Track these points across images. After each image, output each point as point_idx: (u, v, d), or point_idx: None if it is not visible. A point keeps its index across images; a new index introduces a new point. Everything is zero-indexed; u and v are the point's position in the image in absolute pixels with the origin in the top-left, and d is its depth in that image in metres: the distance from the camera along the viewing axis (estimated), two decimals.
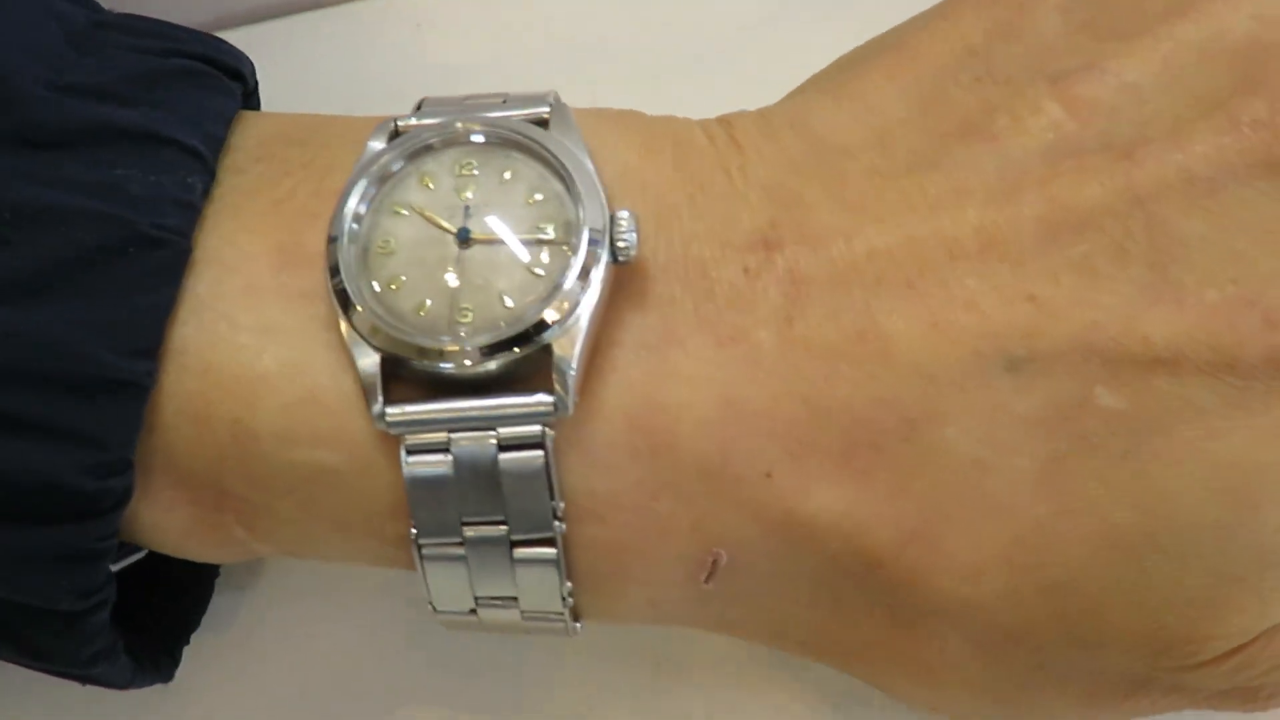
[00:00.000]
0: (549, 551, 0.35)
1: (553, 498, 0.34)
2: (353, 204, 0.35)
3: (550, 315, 0.33)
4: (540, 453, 0.34)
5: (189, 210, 0.35)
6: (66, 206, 0.33)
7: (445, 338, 0.33)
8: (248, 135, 0.38)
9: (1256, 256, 0.34)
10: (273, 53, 0.48)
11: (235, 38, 0.40)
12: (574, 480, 0.34)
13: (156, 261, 0.34)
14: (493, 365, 0.33)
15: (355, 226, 0.35)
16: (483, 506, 0.34)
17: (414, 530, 0.34)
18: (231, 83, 0.38)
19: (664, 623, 0.38)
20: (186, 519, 0.36)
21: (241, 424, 0.34)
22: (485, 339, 0.33)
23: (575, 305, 0.34)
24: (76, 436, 0.33)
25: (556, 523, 0.34)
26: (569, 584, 0.35)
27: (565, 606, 0.36)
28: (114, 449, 0.33)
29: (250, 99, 0.41)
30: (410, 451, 0.34)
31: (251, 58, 0.40)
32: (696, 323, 0.35)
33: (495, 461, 0.34)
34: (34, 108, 0.34)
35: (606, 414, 0.34)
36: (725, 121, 0.38)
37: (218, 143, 0.36)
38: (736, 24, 0.50)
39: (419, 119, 0.36)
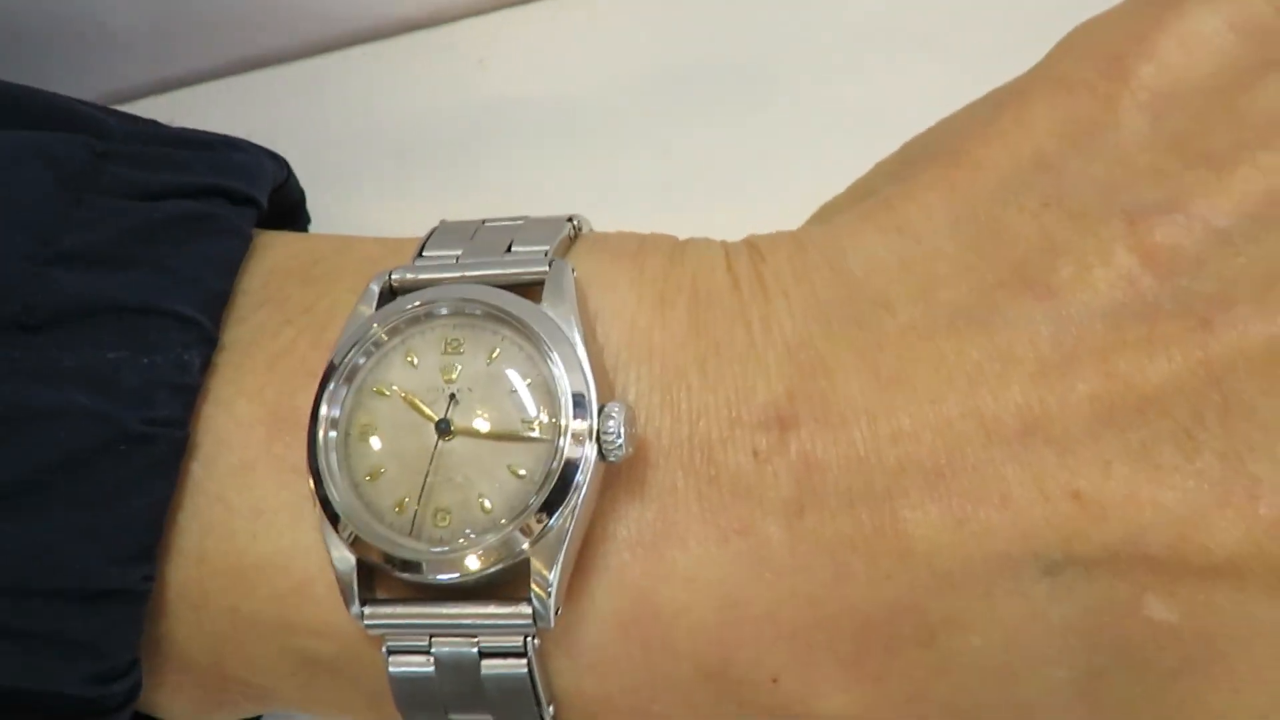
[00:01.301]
0: None
1: (539, 704, 0.32)
2: (331, 390, 0.33)
3: (530, 527, 0.31)
4: (524, 661, 0.32)
5: (185, 394, 0.33)
6: (54, 407, 0.32)
7: (421, 545, 0.31)
8: (255, 272, 0.36)
9: None
10: (333, 83, 0.45)
11: (295, 71, 0.38)
12: (563, 683, 0.32)
13: (150, 459, 0.32)
14: (470, 577, 0.31)
15: (336, 413, 0.33)
16: (469, 707, 0.33)
17: None
18: (243, 211, 0.36)
19: None
20: (194, 700, 0.35)
21: (238, 612, 0.33)
22: (461, 552, 0.31)
23: (557, 512, 0.31)
24: (76, 646, 0.32)
25: None
26: None
27: None
28: (115, 656, 0.32)
29: (283, 193, 0.39)
30: (392, 651, 0.32)
31: (310, 91, 0.38)
32: (699, 515, 0.32)
33: (478, 668, 0.32)
34: (21, 290, 0.33)
35: (596, 616, 0.32)
36: (755, 252, 0.34)
37: (220, 301, 0.35)
38: (801, 61, 0.46)
39: (415, 272, 0.34)
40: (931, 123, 0.42)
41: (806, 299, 0.33)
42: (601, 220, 0.41)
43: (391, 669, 0.32)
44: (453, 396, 0.32)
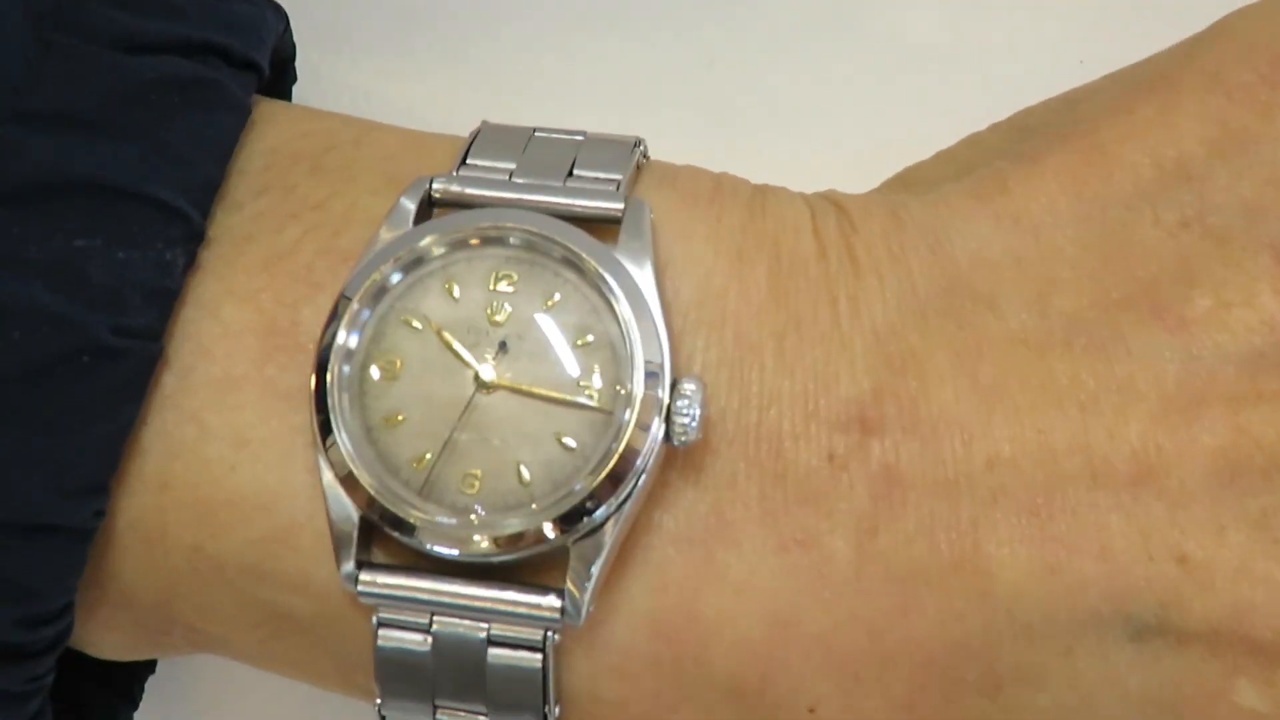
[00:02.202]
0: None
1: (546, 702, 0.28)
2: (352, 315, 0.28)
3: (576, 512, 0.26)
4: (539, 656, 0.28)
5: (163, 299, 0.28)
6: (13, 303, 0.27)
7: (442, 514, 0.27)
8: (255, 151, 0.30)
9: None
10: None
11: None
12: (577, 682, 0.28)
13: (116, 376, 0.27)
14: (494, 556, 0.27)
15: (355, 339, 0.28)
16: (462, 695, 0.28)
17: (379, 701, 0.29)
18: (243, 77, 0.30)
19: None
20: (127, 638, 0.30)
21: (202, 552, 0.28)
22: (490, 527, 0.27)
23: (608, 502, 0.27)
24: (8, 586, 0.27)
25: None
26: None
27: None
28: (48, 598, 0.27)
29: (282, 69, 0.33)
30: (383, 624, 0.28)
31: None
32: (759, 516, 0.28)
33: (484, 655, 0.28)
34: None
35: (629, 615, 0.28)
36: (845, 216, 0.30)
37: (212, 190, 0.29)
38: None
39: (460, 184, 0.29)
40: (1014, 77, 0.38)
41: (901, 282, 0.29)
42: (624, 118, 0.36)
43: (381, 643, 0.28)
44: (503, 345, 0.27)
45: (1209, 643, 0.27)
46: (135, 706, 0.34)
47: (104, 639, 0.30)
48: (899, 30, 0.41)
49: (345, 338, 0.28)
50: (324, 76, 0.37)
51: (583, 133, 0.30)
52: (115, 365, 0.27)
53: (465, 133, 0.31)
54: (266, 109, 0.31)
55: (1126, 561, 0.27)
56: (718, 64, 0.40)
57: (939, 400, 0.28)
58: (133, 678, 0.34)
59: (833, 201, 0.31)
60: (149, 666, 0.35)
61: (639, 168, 0.30)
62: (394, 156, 0.30)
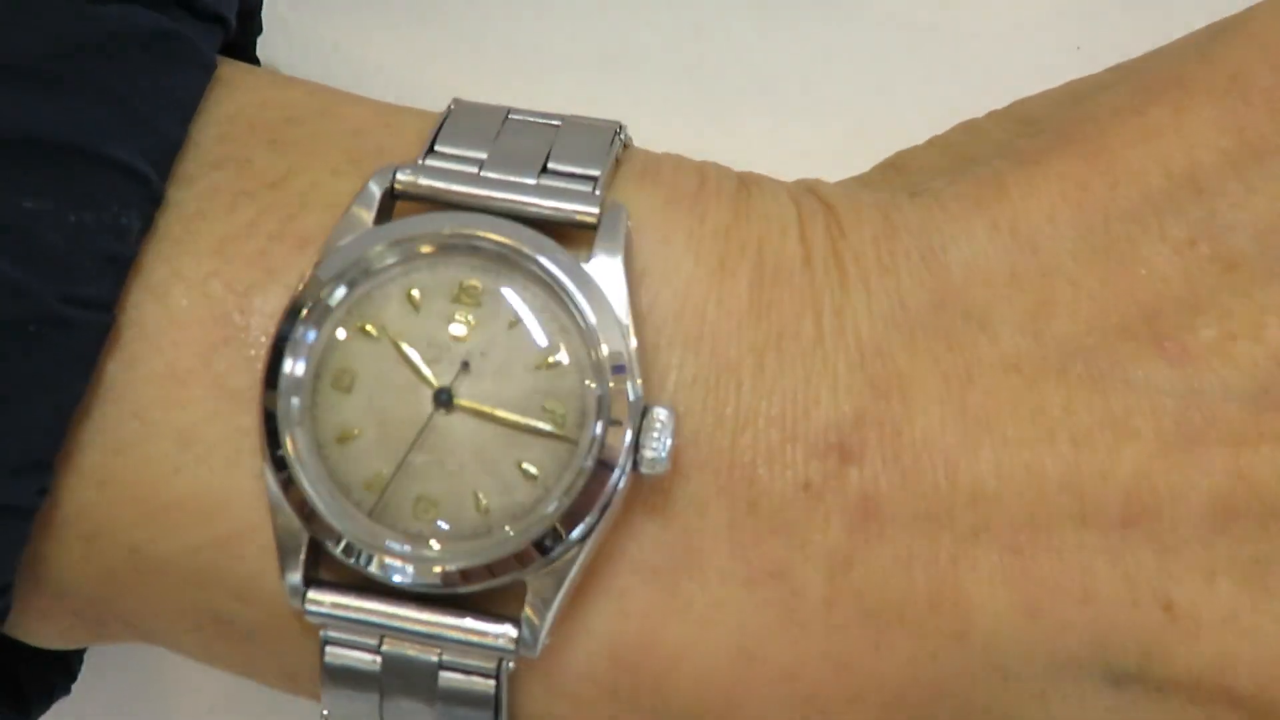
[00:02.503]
0: None
1: None
2: (306, 316, 0.26)
3: (538, 546, 0.25)
4: (492, 681, 0.26)
5: (117, 268, 0.26)
6: None
7: (393, 539, 0.26)
8: (211, 119, 0.28)
9: None
10: None
11: None
12: (531, 706, 0.27)
13: (65, 348, 0.26)
14: (449, 588, 0.26)
15: (308, 342, 0.26)
16: (410, 713, 0.27)
17: (325, 713, 0.27)
18: (208, 31, 0.28)
19: None
20: (64, 629, 0.29)
21: (141, 553, 0.27)
22: (445, 560, 0.25)
23: (570, 535, 0.25)
24: None
25: None
26: None
27: None
28: None
29: (248, 18, 0.31)
30: (331, 641, 0.27)
31: None
32: (728, 546, 0.26)
33: (435, 678, 0.27)
34: None
35: (587, 643, 0.27)
36: (833, 219, 0.28)
37: (172, 150, 0.27)
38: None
39: (427, 177, 0.27)
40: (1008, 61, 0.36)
41: (890, 296, 0.28)
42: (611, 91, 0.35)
43: (328, 660, 0.27)
44: (465, 364, 0.26)
45: (1189, 693, 0.26)
46: (73, 678, 0.33)
47: (40, 628, 0.29)
48: (894, 8, 0.39)
49: (298, 340, 0.26)
50: (291, 27, 0.35)
51: (560, 117, 0.29)
52: (65, 336, 0.25)
53: (439, 100, 0.29)
54: (228, 71, 0.29)
55: (1110, 607, 0.26)
56: (705, 31, 0.38)
57: (923, 427, 0.27)
58: (70, 649, 0.33)
59: (821, 200, 0.29)
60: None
61: (618, 161, 0.28)
62: (360, 132, 0.29)
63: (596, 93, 0.38)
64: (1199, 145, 0.28)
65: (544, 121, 0.28)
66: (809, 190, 0.29)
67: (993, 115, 0.32)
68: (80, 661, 0.34)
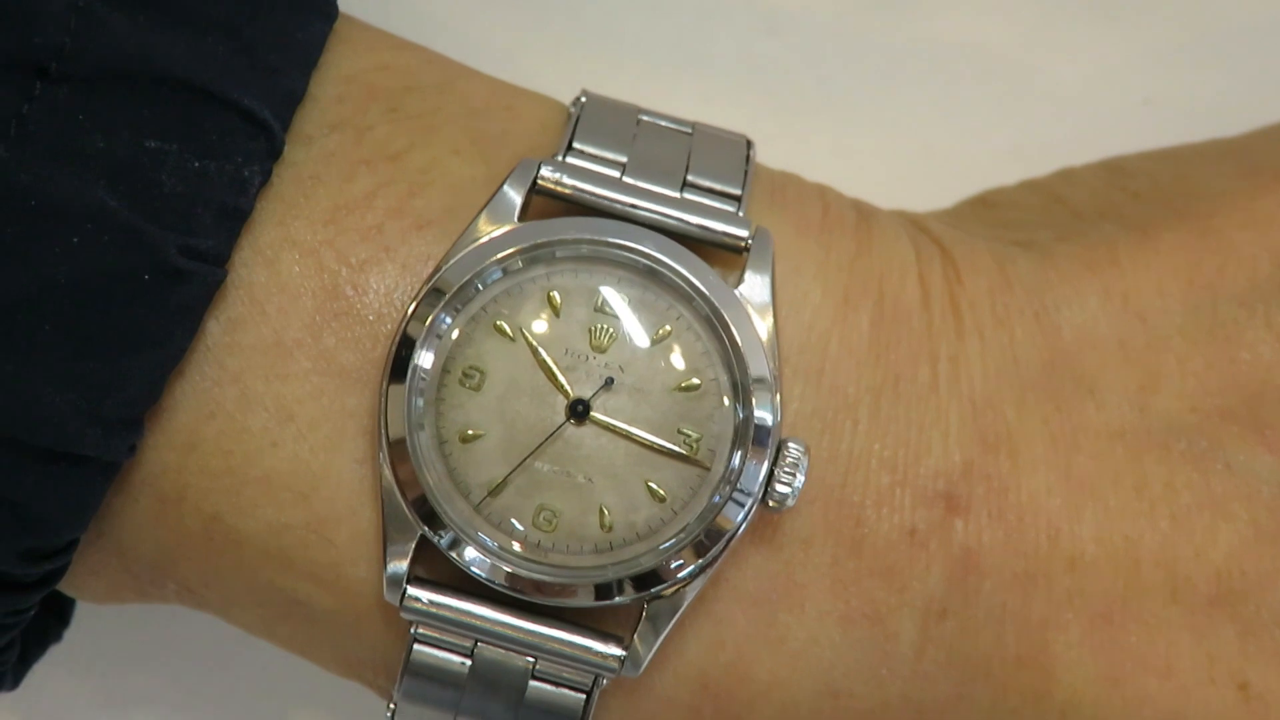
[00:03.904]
0: None
1: None
2: (441, 307, 0.25)
3: (662, 571, 0.25)
4: (582, 696, 0.26)
5: (233, 221, 0.25)
6: (73, 203, 0.23)
7: (513, 550, 0.25)
8: (329, 77, 0.27)
9: None
10: None
11: None
12: None
13: (177, 302, 0.24)
14: (561, 602, 0.25)
15: (439, 335, 0.25)
16: (488, 717, 0.26)
17: (393, 707, 0.27)
18: None
19: None
20: (112, 585, 0.28)
21: (221, 523, 0.26)
22: (564, 574, 0.25)
23: (696, 564, 0.25)
24: (24, 513, 0.24)
25: None
26: None
27: None
28: (59, 532, 0.25)
29: None
30: (420, 640, 0.26)
31: None
32: (829, 585, 0.26)
33: (524, 687, 0.26)
34: (52, 23, 0.24)
35: (679, 668, 0.26)
36: (950, 264, 0.28)
37: (294, 103, 0.26)
38: None
39: (571, 177, 0.26)
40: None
41: (1003, 350, 0.28)
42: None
43: (415, 657, 0.26)
44: (609, 380, 0.25)
45: None
46: (66, 625, 0.32)
47: (87, 583, 0.28)
48: (972, 40, 0.39)
49: (429, 330, 0.25)
50: None
51: (690, 125, 0.28)
52: (177, 289, 0.24)
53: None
54: (344, 26, 0.28)
55: (1189, 682, 0.27)
56: (777, 33, 0.38)
57: (1029, 488, 0.27)
58: (66, 597, 0.32)
59: (935, 241, 0.29)
60: None
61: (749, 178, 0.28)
62: (479, 113, 0.28)
63: (666, 81, 0.37)
64: None
65: (676, 128, 0.28)
66: (920, 228, 0.29)
67: (1090, 167, 0.32)
68: (73, 609, 0.33)
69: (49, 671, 0.35)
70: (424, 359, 0.25)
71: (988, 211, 0.32)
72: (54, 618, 0.31)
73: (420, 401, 0.25)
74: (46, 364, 0.24)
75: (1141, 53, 0.38)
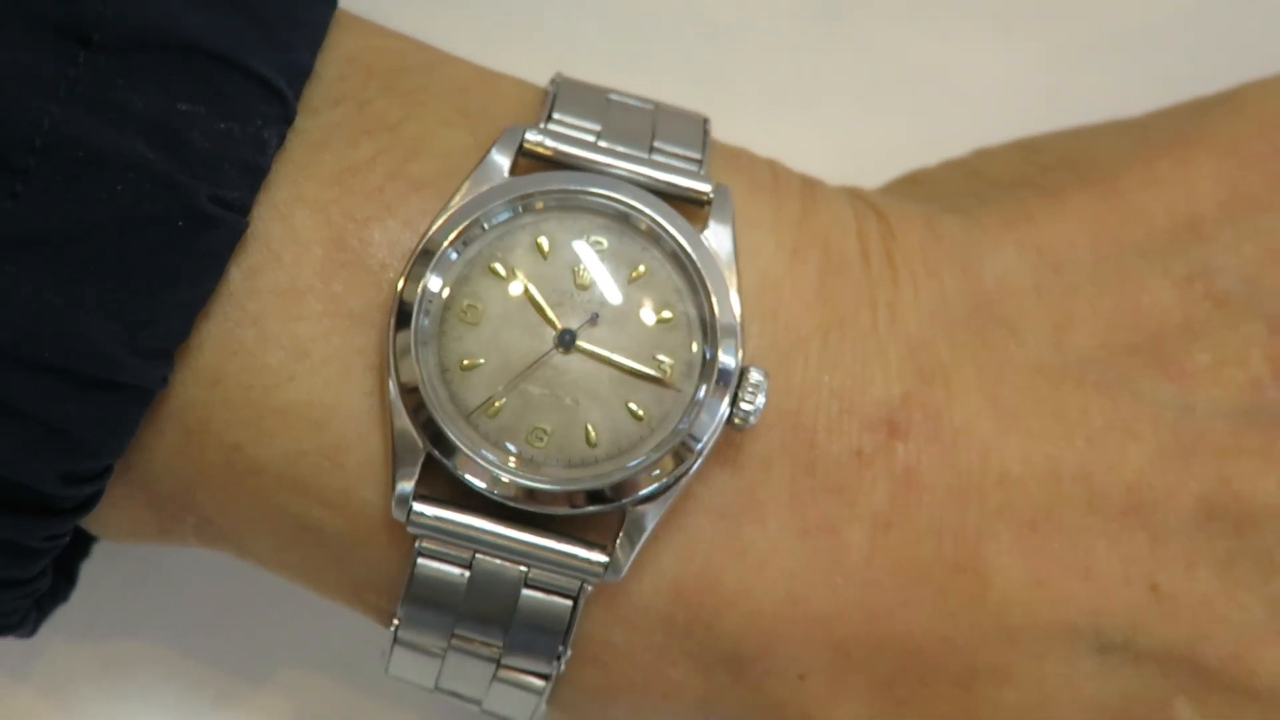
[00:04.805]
0: (536, 683, 0.30)
1: (563, 643, 0.29)
2: (442, 253, 0.28)
3: (641, 480, 0.28)
4: (569, 602, 0.29)
5: (254, 176, 0.28)
6: (115, 153, 0.26)
7: (508, 465, 0.28)
8: (332, 59, 0.30)
9: None
10: None
11: None
12: (592, 629, 0.30)
13: (206, 245, 0.27)
14: (552, 509, 0.28)
15: (441, 275, 0.28)
16: (484, 626, 0.29)
17: (397, 621, 0.30)
18: None
19: None
20: (134, 520, 0.30)
21: (241, 452, 0.29)
22: (555, 483, 0.28)
23: (670, 474, 0.28)
24: (67, 437, 0.27)
25: (556, 661, 0.30)
26: (544, 708, 0.31)
27: None
28: (99, 456, 0.28)
29: None
30: (425, 554, 0.29)
31: None
32: (788, 500, 0.30)
33: (517, 595, 0.29)
34: None
35: (655, 576, 0.29)
36: (885, 223, 0.32)
37: (304, 76, 0.29)
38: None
39: (553, 140, 0.29)
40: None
41: (935, 297, 0.31)
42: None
43: (418, 571, 0.29)
44: (594, 316, 0.28)
45: (1162, 663, 0.30)
46: (74, 585, 0.35)
47: (110, 517, 0.30)
48: (899, 46, 0.42)
49: (432, 268, 0.28)
50: None
51: (652, 102, 0.32)
52: (207, 234, 0.27)
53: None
54: (341, 14, 0.31)
55: (1106, 584, 0.30)
56: (717, 41, 0.41)
57: (962, 414, 0.30)
58: (75, 554, 0.34)
59: (870, 204, 0.32)
60: (85, 550, 0.35)
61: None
62: (465, 90, 0.31)
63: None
64: (1200, 195, 0.32)
65: (640, 105, 0.31)
66: (858, 196, 0.33)
67: (1004, 145, 0.35)
68: (78, 569, 0.35)
69: (42, 640, 0.38)
70: (427, 295, 0.28)
71: (915, 188, 0.35)
72: (63, 578, 0.34)
73: (426, 331, 0.28)
74: (92, 297, 0.26)
75: (1044, 55, 0.41)
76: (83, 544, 0.34)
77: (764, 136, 0.41)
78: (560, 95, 0.31)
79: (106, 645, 0.39)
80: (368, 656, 0.32)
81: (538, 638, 0.29)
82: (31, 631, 0.32)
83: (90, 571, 0.35)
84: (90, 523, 0.31)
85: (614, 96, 0.31)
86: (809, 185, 0.32)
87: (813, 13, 0.42)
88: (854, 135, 0.41)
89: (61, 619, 0.35)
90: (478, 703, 0.31)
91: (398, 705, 0.38)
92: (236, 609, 0.38)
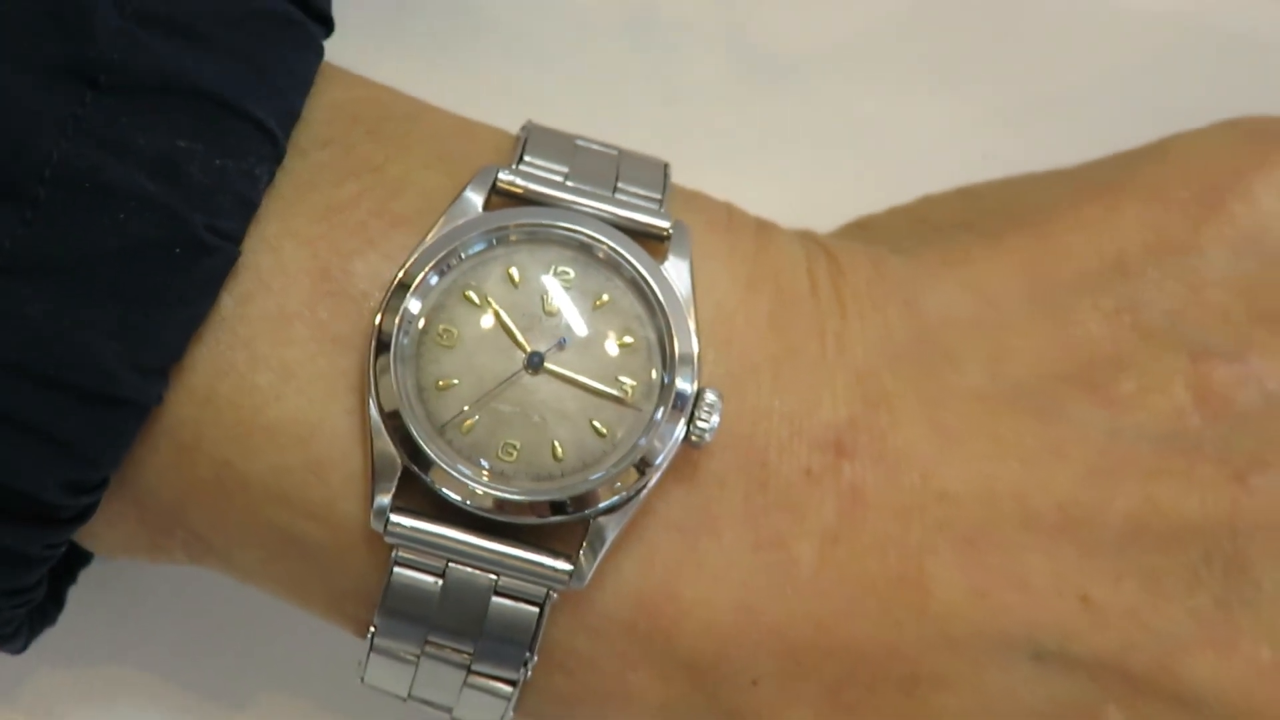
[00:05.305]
0: (504, 688, 0.32)
1: (530, 650, 0.31)
2: (422, 280, 0.31)
3: (603, 492, 0.30)
4: (536, 610, 0.31)
5: (247, 209, 0.30)
6: (121, 185, 0.29)
7: (481, 478, 0.30)
8: (318, 105, 0.33)
9: None
10: None
11: None
12: (558, 635, 0.32)
13: (202, 271, 0.29)
14: (520, 519, 0.30)
15: (419, 300, 0.30)
16: (456, 633, 0.31)
17: (374, 628, 0.31)
18: (317, 28, 0.33)
19: None
20: (128, 536, 0.32)
21: (230, 468, 0.31)
22: (523, 494, 0.30)
23: (631, 487, 0.30)
24: (70, 449, 0.29)
25: (523, 668, 0.32)
26: (512, 715, 0.33)
27: None
28: (98, 467, 0.30)
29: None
30: (400, 563, 0.31)
31: None
32: (742, 516, 0.32)
33: (487, 603, 0.31)
34: (104, 40, 0.29)
35: (616, 586, 0.31)
36: (834, 261, 0.34)
37: (293, 119, 0.31)
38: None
39: (524, 180, 0.32)
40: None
41: (880, 330, 0.33)
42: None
43: (395, 579, 0.31)
44: (562, 341, 0.30)
45: (1093, 671, 0.32)
46: (61, 608, 0.36)
47: (105, 532, 0.32)
48: (842, 101, 0.45)
49: (411, 296, 0.30)
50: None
51: (616, 148, 0.34)
52: (203, 260, 0.29)
53: None
54: (326, 66, 0.33)
55: (1040, 594, 0.32)
56: (675, 101, 0.44)
57: (905, 437, 0.32)
58: (63, 578, 0.36)
59: (820, 244, 0.35)
60: (73, 576, 0.36)
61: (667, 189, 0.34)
62: (445, 136, 0.33)
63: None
64: (1127, 237, 0.35)
65: (605, 150, 0.34)
66: (808, 236, 0.35)
67: (946, 193, 0.38)
68: (67, 592, 0.37)
69: (30, 665, 0.40)
70: (405, 319, 0.30)
71: (863, 232, 0.38)
72: (51, 601, 0.36)
73: (406, 353, 0.30)
74: (98, 318, 0.28)
75: (984, 111, 0.44)
76: (71, 567, 0.36)
77: (722, 187, 0.43)
78: (531, 139, 0.33)
79: (92, 671, 0.40)
80: (348, 682, 0.34)
81: (506, 644, 0.31)
82: (23, 647, 0.34)
83: (77, 598, 0.37)
84: (85, 537, 0.32)
85: (581, 142, 0.34)
86: (763, 225, 0.35)
87: (768, 73, 0.44)
88: (807, 186, 0.43)
89: (48, 644, 0.36)
90: (449, 710, 0.33)
91: None
92: (220, 635, 0.40)
